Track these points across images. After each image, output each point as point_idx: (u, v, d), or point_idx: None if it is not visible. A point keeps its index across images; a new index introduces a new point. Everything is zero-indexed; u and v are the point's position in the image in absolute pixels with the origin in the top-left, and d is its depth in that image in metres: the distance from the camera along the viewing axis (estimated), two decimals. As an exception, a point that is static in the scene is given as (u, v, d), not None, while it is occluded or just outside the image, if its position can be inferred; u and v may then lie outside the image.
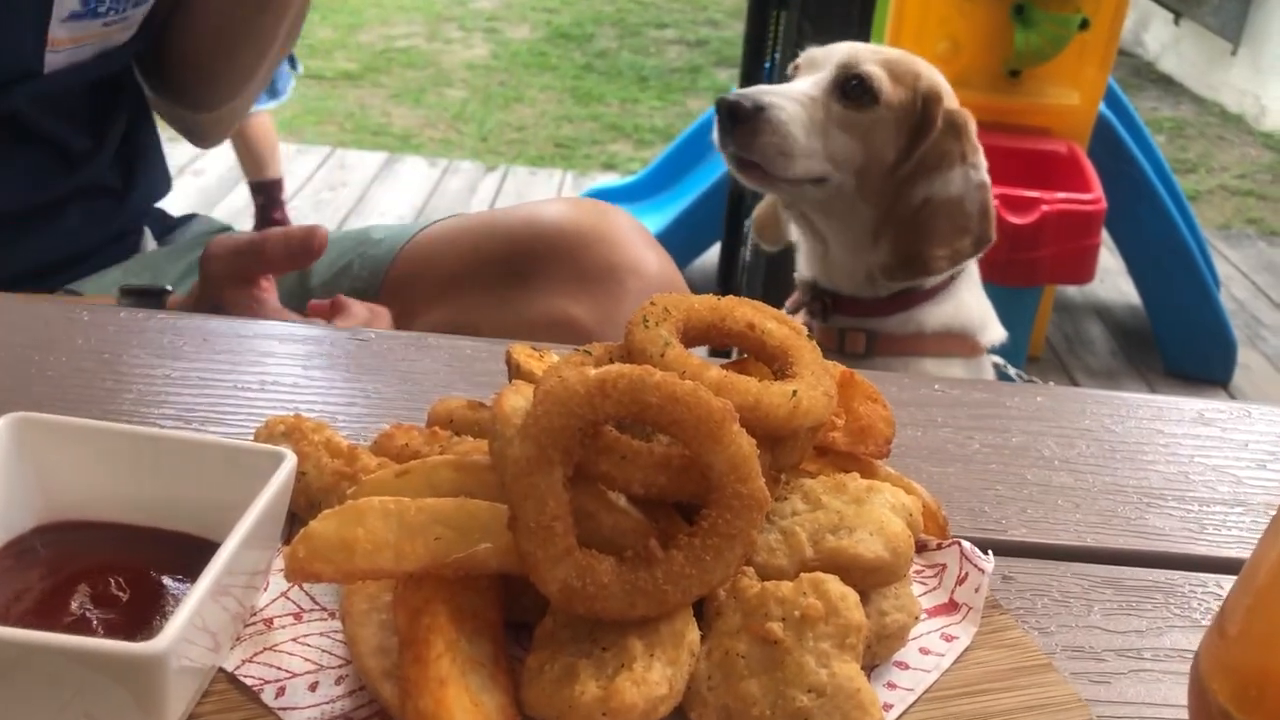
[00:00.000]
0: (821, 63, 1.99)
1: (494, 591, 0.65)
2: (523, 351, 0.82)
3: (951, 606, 0.73)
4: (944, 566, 0.75)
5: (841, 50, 1.99)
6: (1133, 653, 0.75)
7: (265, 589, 0.70)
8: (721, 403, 0.63)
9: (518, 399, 0.69)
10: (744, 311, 0.75)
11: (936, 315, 2.00)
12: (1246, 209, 6.11)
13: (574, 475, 0.62)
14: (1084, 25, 3.52)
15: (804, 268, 2.11)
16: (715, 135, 1.96)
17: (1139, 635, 0.76)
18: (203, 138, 1.65)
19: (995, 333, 2.04)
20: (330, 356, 1.02)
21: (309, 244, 1.18)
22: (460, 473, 0.69)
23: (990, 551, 0.74)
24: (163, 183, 1.62)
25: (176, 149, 1.67)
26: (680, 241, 3.98)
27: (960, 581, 0.74)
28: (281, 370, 0.98)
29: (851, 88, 1.93)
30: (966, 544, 0.75)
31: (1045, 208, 3.41)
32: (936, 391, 1.03)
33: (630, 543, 0.63)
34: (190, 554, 0.66)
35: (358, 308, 1.24)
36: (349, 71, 7.08)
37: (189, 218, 1.69)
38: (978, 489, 0.90)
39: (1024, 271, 3.48)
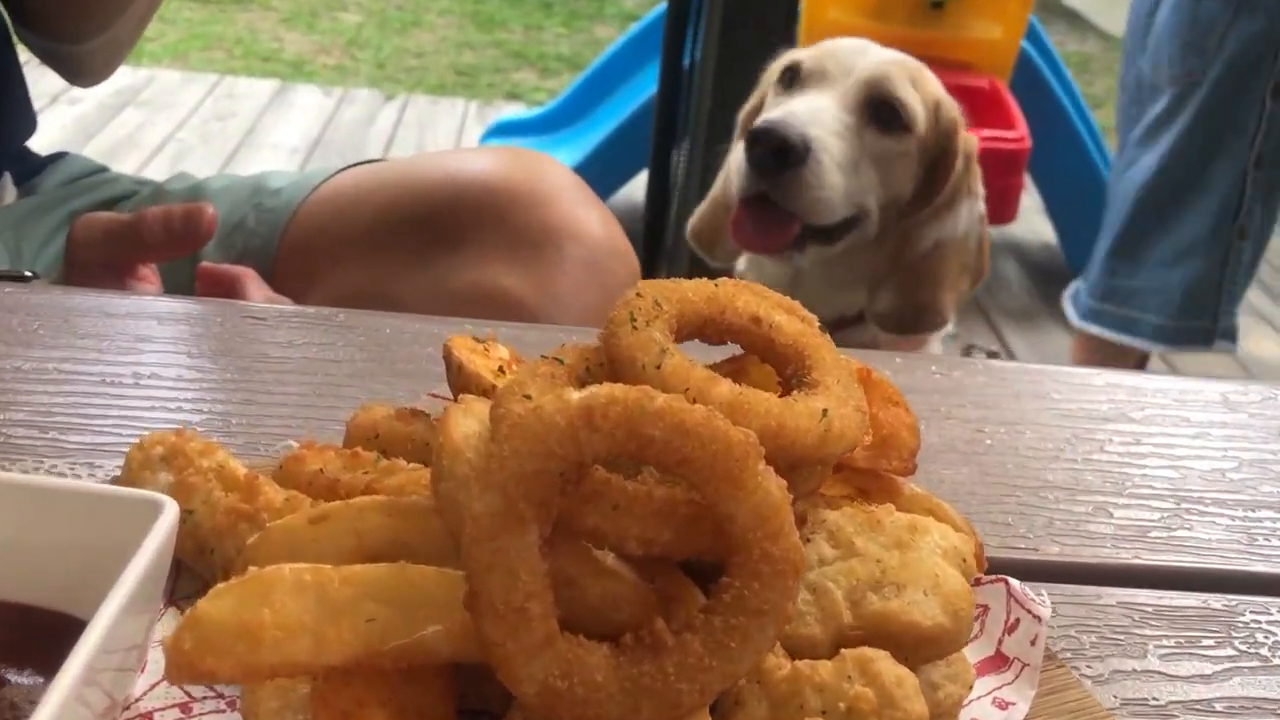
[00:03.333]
0: (834, 74, 1.71)
1: (444, 680, 0.50)
2: (464, 345, 0.66)
3: (1000, 660, 0.60)
4: (986, 608, 0.62)
5: (864, 64, 1.72)
6: (1203, 705, 0.63)
7: (143, 671, 0.54)
8: (742, 434, 0.48)
9: (469, 422, 0.54)
10: (747, 301, 0.60)
11: None
12: (1153, 145, 6.12)
13: (552, 533, 0.47)
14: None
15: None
16: (740, 171, 1.66)
17: (1205, 682, 0.65)
18: (80, 74, 1.43)
19: (948, 325, 1.91)
20: (220, 340, 0.85)
21: (194, 225, 1.00)
22: (395, 518, 0.54)
23: (1045, 594, 0.61)
24: (26, 122, 1.40)
25: (48, 74, 1.44)
26: (594, 178, 3.78)
27: (1009, 630, 0.61)
28: (160, 360, 0.81)
29: (883, 113, 1.68)
30: (1015, 582, 0.62)
31: (971, 146, 3.30)
32: (935, 375, 0.90)
33: (626, 615, 0.49)
34: (40, 635, 0.50)
35: (258, 295, 1.04)
36: (236, -7, 6.68)
37: (57, 157, 1.47)
38: (997, 496, 0.77)
39: (947, 211, 3.38)
